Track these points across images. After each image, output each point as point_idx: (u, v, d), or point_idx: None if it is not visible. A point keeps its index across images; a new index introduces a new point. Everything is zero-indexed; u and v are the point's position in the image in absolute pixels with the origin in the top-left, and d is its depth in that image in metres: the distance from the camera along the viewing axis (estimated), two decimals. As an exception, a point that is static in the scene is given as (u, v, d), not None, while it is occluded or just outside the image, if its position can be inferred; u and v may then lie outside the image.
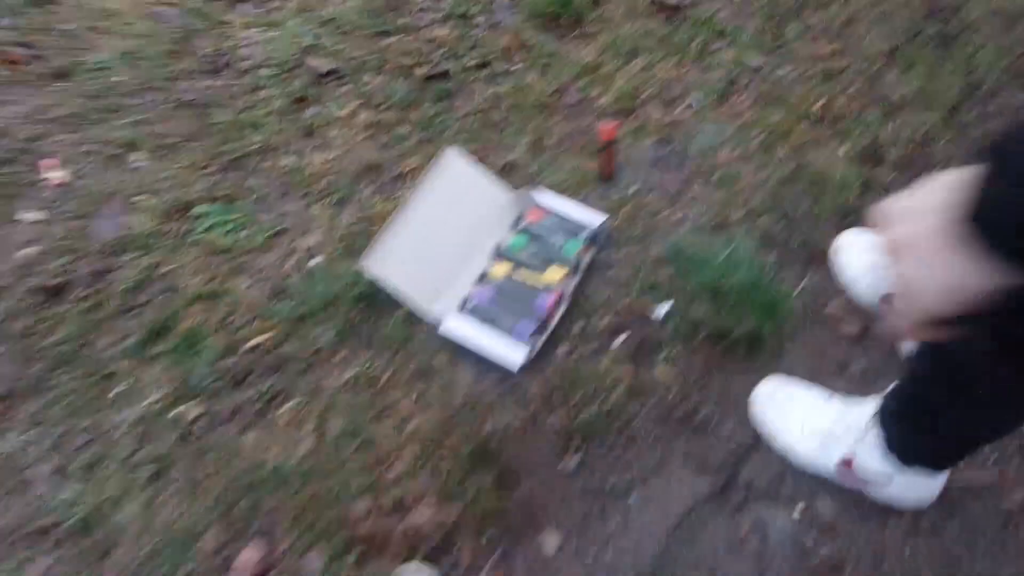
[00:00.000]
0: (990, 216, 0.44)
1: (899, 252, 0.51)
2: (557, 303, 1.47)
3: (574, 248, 1.52)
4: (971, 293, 0.46)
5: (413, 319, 1.49)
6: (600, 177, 1.64)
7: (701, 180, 1.64)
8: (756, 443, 1.36)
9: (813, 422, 1.30)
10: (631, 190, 1.63)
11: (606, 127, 1.53)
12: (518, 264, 1.53)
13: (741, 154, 1.67)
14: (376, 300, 1.52)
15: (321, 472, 1.34)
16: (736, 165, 1.65)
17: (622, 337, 1.46)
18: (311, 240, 1.63)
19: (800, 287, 1.50)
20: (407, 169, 1.72)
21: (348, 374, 1.44)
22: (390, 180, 1.72)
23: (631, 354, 1.44)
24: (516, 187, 1.66)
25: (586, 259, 1.53)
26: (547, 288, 1.49)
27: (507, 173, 1.69)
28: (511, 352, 1.39)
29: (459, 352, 1.45)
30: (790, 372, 1.41)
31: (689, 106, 1.76)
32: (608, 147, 1.57)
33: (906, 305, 0.51)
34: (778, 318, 1.44)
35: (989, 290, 0.45)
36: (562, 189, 1.64)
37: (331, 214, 1.66)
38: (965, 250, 0.45)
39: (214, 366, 1.47)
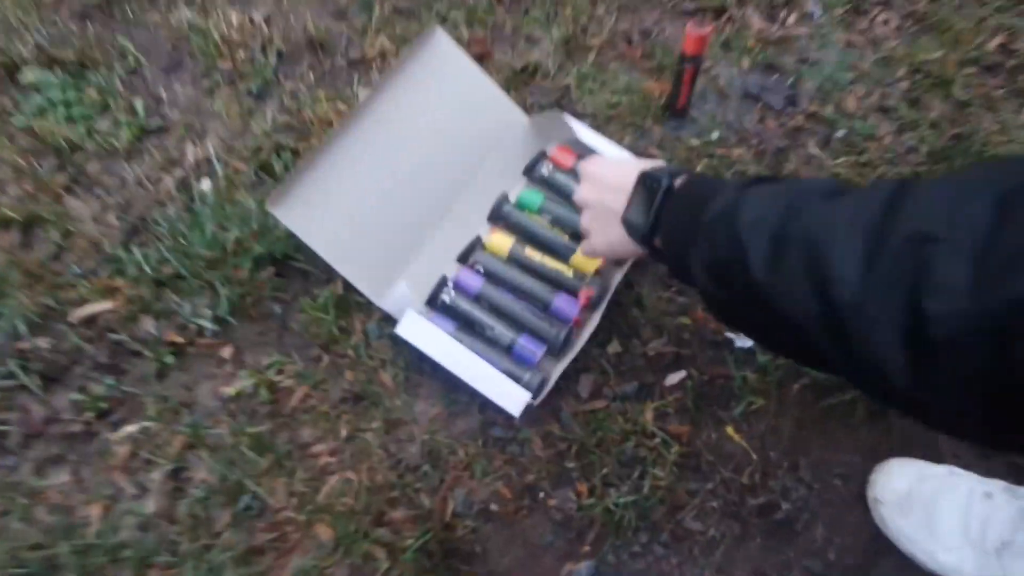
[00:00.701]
0: (629, 219, 0.67)
1: (587, 208, 0.75)
2: (587, 308, 0.93)
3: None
4: (622, 251, 0.71)
5: (354, 299, 0.93)
6: (667, 107, 1.06)
7: (817, 135, 1.08)
8: (872, 555, 0.88)
9: (978, 527, 0.84)
10: (713, 135, 1.06)
11: (695, 33, 0.95)
12: (529, 237, 0.97)
13: (877, 103, 1.11)
14: (297, 261, 0.95)
15: (174, 550, 0.81)
16: (869, 120, 1.09)
17: (679, 375, 0.92)
18: (205, 149, 1.02)
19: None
20: (371, 52, 1.11)
21: (236, 384, 0.88)
22: (343, 67, 1.11)
23: (691, 403, 0.91)
24: (536, 107, 1.07)
25: (637, 240, 0.97)
26: (574, 282, 0.93)
27: (524, 82, 1.09)
28: (508, 388, 0.85)
29: (424, 368, 0.90)
30: (924, 450, 0.91)
31: (806, 16, 1.17)
32: (690, 65, 0.99)
33: (587, 246, 0.77)
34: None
35: (631, 253, 0.71)
36: (607, 118, 1.06)
37: (244, 109, 1.06)
38: (620, 228, 0.68)
39: (14, 344, 0.89)
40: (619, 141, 1.03)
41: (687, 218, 0.57)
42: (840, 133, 1.08)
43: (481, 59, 1.09)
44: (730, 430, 0.91)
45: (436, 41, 0.94)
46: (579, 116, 1.05)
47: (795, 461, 0.91)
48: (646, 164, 0.69)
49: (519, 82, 1.09)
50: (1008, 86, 1.14)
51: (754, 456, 0.91)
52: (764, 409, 0.93)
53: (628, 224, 0.67)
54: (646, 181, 0.65)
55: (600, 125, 1.05)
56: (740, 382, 0.93)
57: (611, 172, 0.72)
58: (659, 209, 0.62)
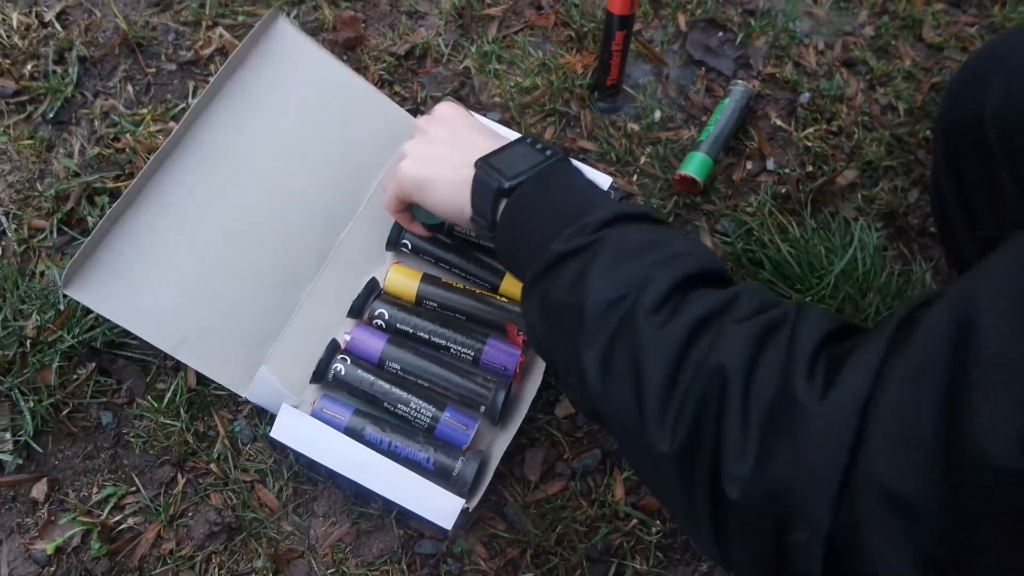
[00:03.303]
0: (492, 165, 0.54)
1: (430, 132, 0.60)
2: (524, 348, 0.71)
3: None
4: (445, 205, 0.57)
5: (212, 391, 0.69)
6: (595, 86, 0.85)
7: (778, 103, 0.89)
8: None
9: None
10: (655, 115, 0.85)
11: (619, -13, 0.73)
12: (443, 259, 0.75)
13: (841, 56, 0.92)
14: (127, 350, 0.70)
15: None
16: (835, 78, 0.90)
17: (652, 431, 0.72)
18: (-11, 202, 0.76)
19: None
20: (206, 51, 0.85)
21: (56, 535, 0.64)
22: (172, 72, 0.85)
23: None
24: (430, 101, 0.84)
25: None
26: (509, 310, 0.72)
27: (411, 71, 0.86)
28: (432, 495, 0.63)
29: (317, 475, 0.67)
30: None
31: (746, -44, 0.97)
32: (619, 29, 0.77)
33: (395, 178, 0.60)
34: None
35: (451, 212, 0.57)
36: (520, 107, 0.84)
37: (39, 143, 0.79)
38: (468, 169, 0.55)
39: None
40: (539, 135, 0.82)
41: (539, 217, 0.51)
42: (804, 97, 0.88)
43: (352, 47, 0.84)
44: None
45: (277, 32, 0.69)
46: (484, 108, 0.83)
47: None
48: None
49: (405, 72, 0.85)
50: (981, 21, 0.97)
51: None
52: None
53: (485, 170, 0.53)
54: (528, 140, 0.56)
55: (513, 117, 0.83)
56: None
57: (475, 124, 0.62)
58: (530, 176, 0.52)
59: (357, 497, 0.66)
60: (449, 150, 0.58)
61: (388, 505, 0.65)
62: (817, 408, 0.33)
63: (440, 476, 0.65)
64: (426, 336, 0.71)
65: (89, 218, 0.75)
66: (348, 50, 0.84)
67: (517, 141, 0.55)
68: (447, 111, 0.61)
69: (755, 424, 0.35)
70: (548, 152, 0.54)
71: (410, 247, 0.74)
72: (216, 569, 0.63)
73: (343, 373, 0.69)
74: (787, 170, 0.84)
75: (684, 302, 0.41)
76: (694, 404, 0.38)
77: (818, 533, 0.33)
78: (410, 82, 0.84)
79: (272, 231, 0.70)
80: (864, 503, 0.32)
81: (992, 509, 0.29)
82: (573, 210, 0.49)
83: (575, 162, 0.55)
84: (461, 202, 0.55)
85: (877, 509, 0.31)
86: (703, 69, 0.89)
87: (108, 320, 0.66)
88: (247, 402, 0.68)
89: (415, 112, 0.79)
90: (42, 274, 0.72)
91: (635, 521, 0.69)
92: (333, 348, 0.70)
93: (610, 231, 0.46)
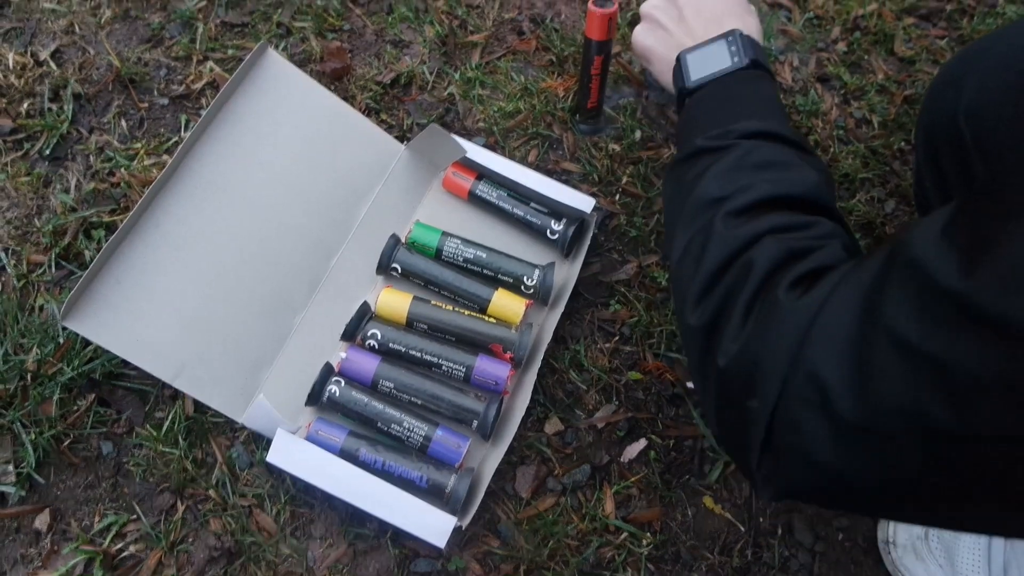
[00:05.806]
0: (685, 63, 0.61)
1: (657, 17, 0.66)
2: (512, 367, 0.73)
3: (539, 255, 0.77)
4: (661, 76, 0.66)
5: (210, 419, 0.71)
6: (576, 108, 0.87)
7: (755, 118, 0.91)
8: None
9: (999, 569, 0.70)
10: (636, 135, 0.87)
11: (599, 12, 0.75)
12: (433, 283, 0.77)
13: (815, 72, 0.94)
14: (126, 380, 0.72)
15: None
16: (809, 93, 0.93)
17: (638, 446, 0.74)
18: (-12, 239, 0.77)
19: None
20: (197, 84, 0.87)
21: (59, 565, 0.65)
22: (164, 106, 0.87)
23: (657, 478, 0.73)
24: (416, 127, 0.86)
25: (566, 277, 0.78)
26: (497, 331, 0.74)
27: (396, 99, 0.88)
28: (425, 514, 0.64)
29: (313, 498, 0.69)
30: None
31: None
32: (598, 54, 0.79)
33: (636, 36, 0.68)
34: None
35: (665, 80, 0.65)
36: (504, 131, 0.86)
37: (36, 179, 0.81)
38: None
39: None
40: (523, 159, 0.84)
41: (704, 116, 0.57)
42: (780, 114, 0.91)
43: (340, 77, 0.87)
44: (709, 502, 0.74)
45: (267, 64, 0.72)
46: (469, 133, 0.85)
47: (789, 522, 0.75)
48: (748, 21, 0.64)
49: (391, 100, 0.87)
50: (951, 34, 1.00)
51: (741, 528, 0.73)
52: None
53: (681, 67, 0.61)
54: (729, 39, 0.60)
55: (498, 141, 0.85)
56: (711, 440, 0.75)
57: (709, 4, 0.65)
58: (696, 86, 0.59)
59: (353, 518, 0.67)
60: (672, 30, 0.64)
61: (383, 526, 0.66)
62: (790, 307, 0.41)
63: (434, 494, 0.67)
64: (418, 354, 0.73)
65: (86, 252, 0.77)
66: (336, 80, 0.86)
67: (719, 37, 0.61)
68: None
69: (753, 314, 0.43)
70: (735, 59, 0.59)
71: (400, 271, 0.76)
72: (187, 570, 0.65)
73: (337, 395, 0.71)
74: (766, 185, 0.87)
75: (764, 215, 0.48)
76: (724, 291, 0.45)
77: (767, 402, 0.40)
78: (396, 110, 0.86)
79: (265, 258, 0.72)
80: (798, 382, 0.39)
81: (894, 388, 0.35)
82: (729, 116, 0.55)
83: (759, 72, 0.59)
84: (669, 80, 0.64)
85: (805, 388, 0.39)
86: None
87: (107, 351, 0.68)
88: (244, 428, 0.70)
89: (402, 139, 0.82)
90: (41, 308, 0.74)
91: (626, 534, 0.70)
92: (327, 371, 0.72)
93: (746, 142, 0.52)
